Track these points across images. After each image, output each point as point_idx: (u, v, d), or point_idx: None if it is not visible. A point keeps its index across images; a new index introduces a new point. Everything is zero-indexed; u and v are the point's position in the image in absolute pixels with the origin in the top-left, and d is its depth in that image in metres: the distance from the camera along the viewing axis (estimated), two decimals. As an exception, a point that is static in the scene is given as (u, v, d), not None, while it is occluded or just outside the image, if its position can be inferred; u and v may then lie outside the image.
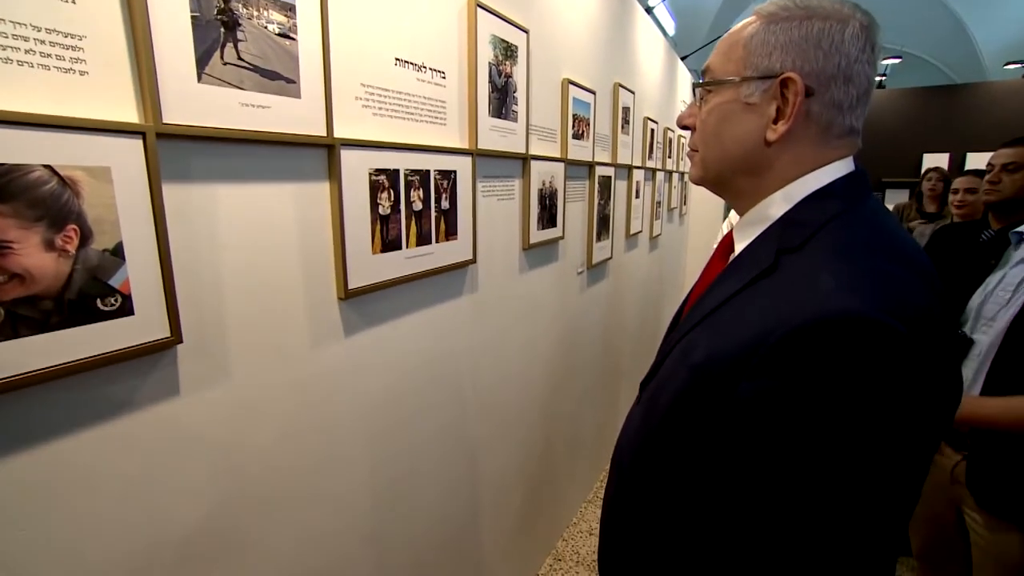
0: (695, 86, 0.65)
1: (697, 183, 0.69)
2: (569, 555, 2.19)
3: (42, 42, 0.54)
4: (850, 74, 0.54)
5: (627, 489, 0.66)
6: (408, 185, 1.05)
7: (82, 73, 0.57)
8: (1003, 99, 4.33)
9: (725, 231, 2.75)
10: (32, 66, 0.53)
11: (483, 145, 1.28)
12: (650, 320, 3.46)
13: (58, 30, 0.55)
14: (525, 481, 1.83)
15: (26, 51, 0.53)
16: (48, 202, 0.54)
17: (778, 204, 0.59)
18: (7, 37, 0.51)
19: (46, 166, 0.54)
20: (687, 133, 3.52)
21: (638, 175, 2.69)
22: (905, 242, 0.55)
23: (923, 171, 3.40)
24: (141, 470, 0.68)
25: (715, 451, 0.52)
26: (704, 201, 4.85)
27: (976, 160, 4.70)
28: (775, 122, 0.57)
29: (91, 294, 0.59)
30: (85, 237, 0.58)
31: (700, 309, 0.60)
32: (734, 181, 0.63)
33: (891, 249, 0.52)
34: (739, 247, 0.63)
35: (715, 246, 2.46)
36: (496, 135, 1.34)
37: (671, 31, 5.96)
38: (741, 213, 0.65)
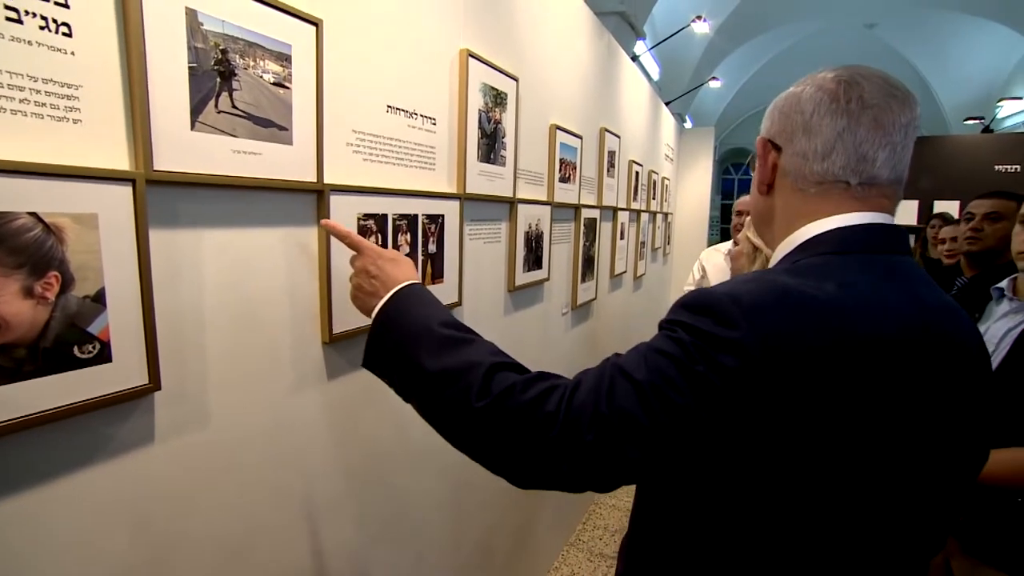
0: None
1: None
2: (551, 604, 2.12)
3: (37, 92, 0.54)
4: (809, 126, 0.61)
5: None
6: (396, 229, 1.06)
7: (75, 121, 0.58)
8: (965, 151, 4.57)
9: (697, 275, 2.82)
10: (26, 115, 0.54)
11: (471, 189, 1.30)
12: (634, 358, 3.46)
13: (54, 80, 0.55)
14: (507, 526, 1.79)
15: (20, 100, 0.53)
16: (30, 249, 0.54)
17: (782, 249, 0.66)
18: (2, 87, 0.52)
19: (31, 213, 0.54)
20: (669, 173, 3.62)
21: (623, 216, 2.74)
22: (863, 286, 0.55)
23: (929, 218, 3.55)
24: (106, 524, 0.65)
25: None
26: (687, 242, 4.95)
27: (941, 207, 4.91)
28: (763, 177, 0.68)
29: (68, 341, 0.58)
30: (66, 284, 0.57)
31: None
32: (762, 232, 0.73)
33: (818, 277, 0.55)
34: None
35: (686, 289, 2.49)
36: (484, 179, 1.37)
37: (656, 76, 6.22)
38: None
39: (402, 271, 0.75)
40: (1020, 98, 7.22)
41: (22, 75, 0.53)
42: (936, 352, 0.53)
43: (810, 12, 7.34)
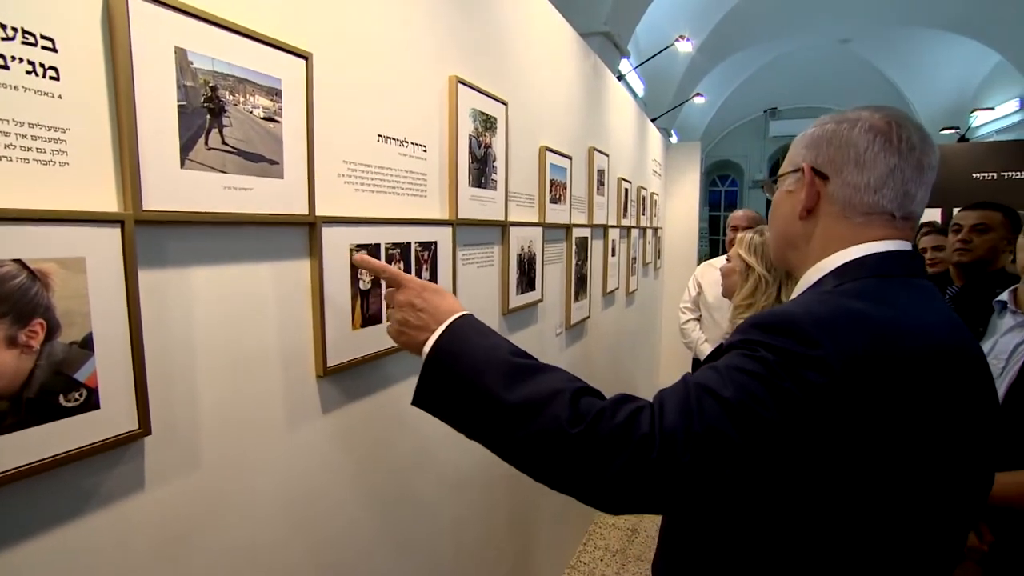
0: (773, 182, 0.80)
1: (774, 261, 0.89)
2: (553, 631, 2.07)
3: (23, 136, 0.53)
4: (862, 161, 0.65)
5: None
6: (389, 258, 1.05)
7: (62, 164, 0.57)
8: (944, 161, 4.67)
9: (694, 291, 2.82)
10: (11, 160, 0.52)
11: (463, 215, 1.30)
12: (628, 375, 3.46)
13: (41, 124, 0.54)
14: (507, 550, 1.75)
15: (5, 146, 0.52)
16: (14, 297, 0.52)
17: (814, 272, 0.69)
18: (-14, 134, 0.51)
19: (16, 260, 0.52)
20: (657, 188, 3.66)
21: (614, 233, 2.76)
22: (914, 309, 0.60)
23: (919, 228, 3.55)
24: (97, 575, 0.62)
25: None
26: (678, 255, 4.99)
27: (924, 216, 5.00)
28: (804, 202, 0.70)
29: (53, 390, 0.56)
30: (52, 331, 0.55)
31: None
32: (786, 255, 0.76)
33: (876, 299, 0.59)
34: None
35: (683, 307, 2.45)
36: (476, 204, 1.37)
37: (641, 93, 6.32)
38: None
39: (448, 302, 0.73)
40: (992, 108, 7.43)
41: (7, 120, 0.52)
42: (965, 366, 0.59)
43: (786, 30, 7.53)
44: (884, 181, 0.64)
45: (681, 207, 5.02)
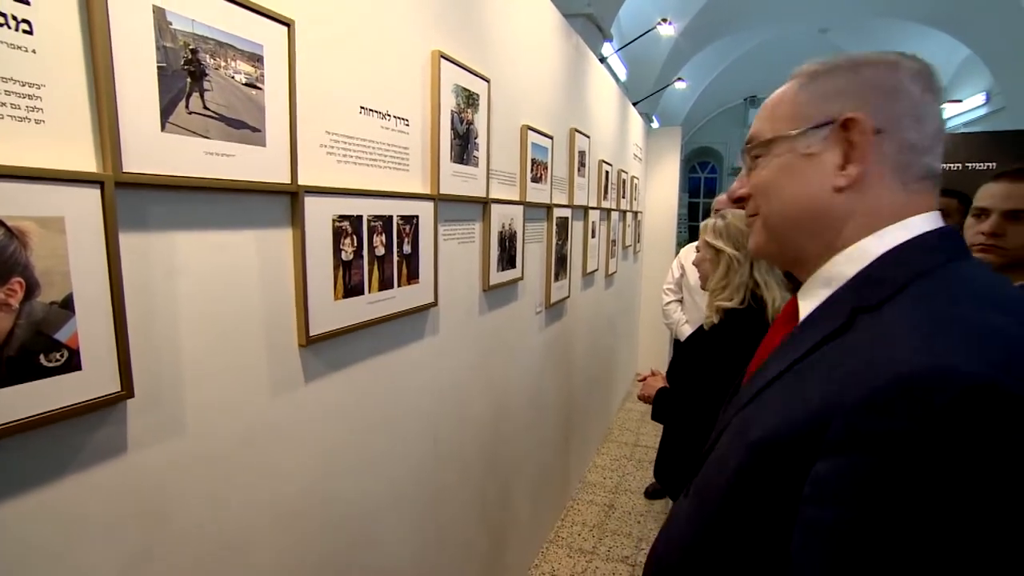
0: (745, 151, 0.62)
1: (757, 251, 0.63)
2: (530, 600, 2.14)
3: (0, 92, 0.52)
4: (919, 114, 0.52)
5: None
6: (371, 231, 1.05)
7: (38, 122, 0.56)
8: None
9: (676, 273, 2.88)
10: (-16, 115, 0.52)
11: (445, 190, 1.30)
12: (606, 356, 3.52)
13: (14, 78, 0.54)
14: (487, 524, 1.80)
15: (-22, 100, 0.51)
16: (-7, 254, 0.52)
17: (852, 261, 0.53)
18: (-40, 87, 0.50)
19: (-6, 217, 0.52)
20: (638, 172, 3.58)
21: (594, 215, 2.78)
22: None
23: None
24: (79, 537, 0.63)
25: (787, 542, 0.44)
26: (657, 239, 5.05)
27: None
28: (843, 168, 0.53)
29: (34, 350, 0.56)
30: (31, 290, 0.55)
31: (757, 381, 0.55)
32: (798, 242, 0.57)
33: (1003, 303, 0.44)
34: (804, 312, 0.57)
35: (666, 287, 2.47)
36: (458, 180, 1.37)
37: (623, 77, 6.32)
38: (802, 281, 0.60)
39: None
40: (959, 101, 7.64)
41: (-19, 73, 0.51)
42: None
43: (767, 17, 7.58)
44: (936, 138, 0.52)
45: (661, 192, 5.07)
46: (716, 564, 0.53)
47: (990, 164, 4.64)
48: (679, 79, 5.80)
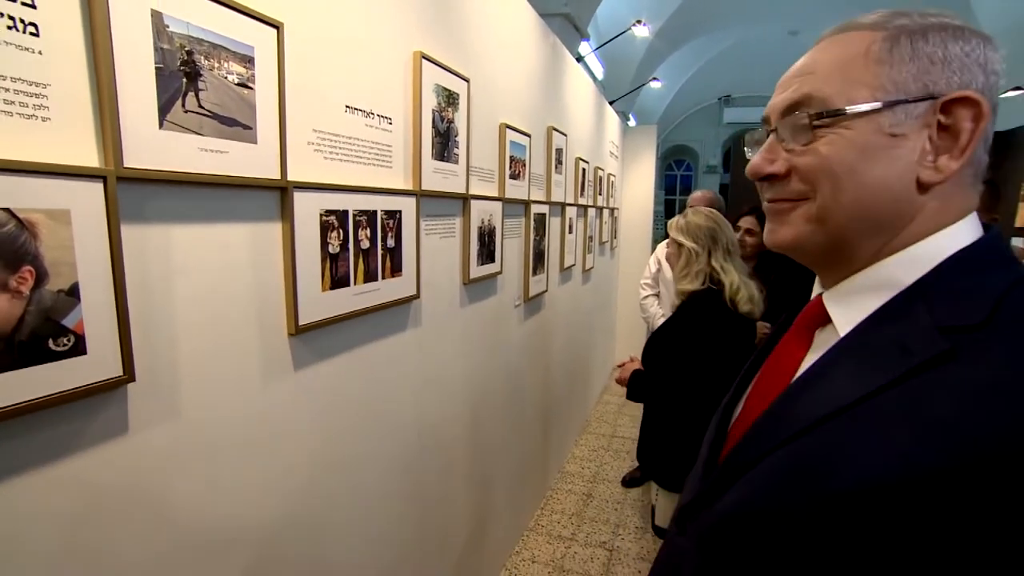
0: (788, 117, 0.48)
1: (793, 245, 0.51)
2: (511, 585, 2.20)
3: (6, 89, 0.55)
4: (996, 106, 0.45)
5: None
6: (356, 225, 1.09)
7: (44, 119, 0.59)
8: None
9: (654, 268, 2.97)
10: (-4, 114, 0.55)
11: (427, 186, 1.35)
12: (583, 349, 3.60)
13: (23, 78, 0.57)
14: (469, 512, 1.85)
15: (-10, 99, 0.54)
16: (4, 244, 0.55)
17: (908, 267, 0.45)
18: (-26, 87, 0.53)
19: (4, 209, 0.55)
20: (614, 169, 3.62)
21: (571, 212, 2.85)
22: None
23: None
24: (84, 514, 0.66)
25: None
26: (634, 236, 5.16)
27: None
28: (933, 158, 0.44)
29: (43, 335, 0.59)
30: (40, 278, 0.59)
31: (805, 408, 0.45)
32: (856, 242, 0.48)
33: None
34: (845, 322, 0.48)
35: (643, 283, 2.57)
36: (439, 177, 1.42)
37: (600, 75, 6.41)
38: (833, 283, 0.51)
39: None
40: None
41: (-7, 74, 0.54)
42: None
43: (740, 19, 7.77)
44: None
45: (638, 189, 5.18)
46: None
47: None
48: (654, 79, 5.91)
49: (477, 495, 1.92)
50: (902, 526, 0.37)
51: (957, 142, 0.43)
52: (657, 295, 2.97)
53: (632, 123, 7.93)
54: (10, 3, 0.55)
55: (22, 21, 0.57)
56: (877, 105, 0.44)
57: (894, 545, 0.38)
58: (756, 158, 0.51)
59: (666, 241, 3.02)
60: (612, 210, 4.34)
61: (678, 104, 11.24)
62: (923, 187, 0.44)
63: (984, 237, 0.46)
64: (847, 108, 0.45)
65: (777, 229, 0.52)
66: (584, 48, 4.43)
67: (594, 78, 5.54)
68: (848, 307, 0.49)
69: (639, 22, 3.98)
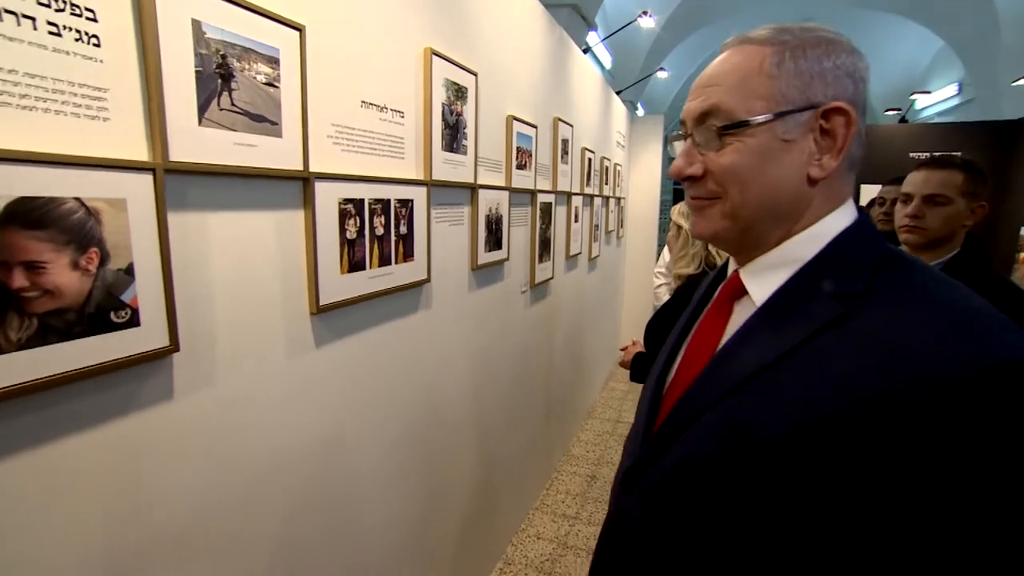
0: (700, 125, 0.56)
1: (713, 237, 0.59)
2: (518, 559, 2.31)
3: (75, 95, 0.64)
4: (865, 105, 0.54)
5: None
6: (372, 212, 1.18)
7: (104, 119, 0.68)
8: (885, 141, 5.02)
9: (667, 256, 3.02)
10: (66, 115, 0.63)
11: (437, 176, 1.43)
12: (588, 336, 3.68)
13: (88, 84, 0.65)
14: (476, 491, 1.95)
15: (62, 102, 0.63)
16: (76, 229, 0.64)
17: (807, 245, 0.54)
18: (48, 92, 0.61)
19: (76, 198, 0.64)
20: (621, 159, 3.65)
21: (576, 201, 2.92)
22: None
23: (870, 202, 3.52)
24: (134, 469, 0.76)
25: (814, 543, 0.46)
26: (641, 225, 5.20)
27: (868, 191, 5.38)
28: (818, 157, 0.53)
29: (106, 308, 0.68)
30: (104, 258, 0.67)
31: (731, 371, 0.53)
32: (764, 231, 0.56)
33: (963, 287, 0.49)
34: (759, 293, 0.56)
35: (657, 271, 2.66)
36: (448, 167, 1.49)
37: (608, 65, 6.41)
38: (747, 261, 0.59)
39: None
40: (928, 92, 7.87)
41: (64, 81, 0.62)
42: None
43: (750, 4, 7.70)
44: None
45: (644, 179, 5.21)
46: (704, 571, 0.52)
47: (956, 153, 4.86)
48: (661, 69, 5.90)
49: (483, 473, 2.01)
50: (822, 463, 0.44)
51: (835, 144, 0.52)
52: (670, 283, 3.03)
53: (640, 113, 7.93)
54: (76, 18, 0.63)
55: (87, 34, 0.65)
56: (771, 117, 0.52)
57: (815, 482, 0.45)
58: (678, 160, 0.59)
59: None
60: (619, 199, 4.39)
61: (686, 93, 11.16)
62: (812, 182, 0.53)
63: (858, 219, 0.55)
64: (749, 120, 0.53)
65: (698, 223, 0.60)
66: (592, 38, 4.45)
67: (602, 67, 5.55)
68: (762, 281, 0.57)
69: (645, 13, 4.00)
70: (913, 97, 7.80)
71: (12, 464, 0.62)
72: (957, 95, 7.69)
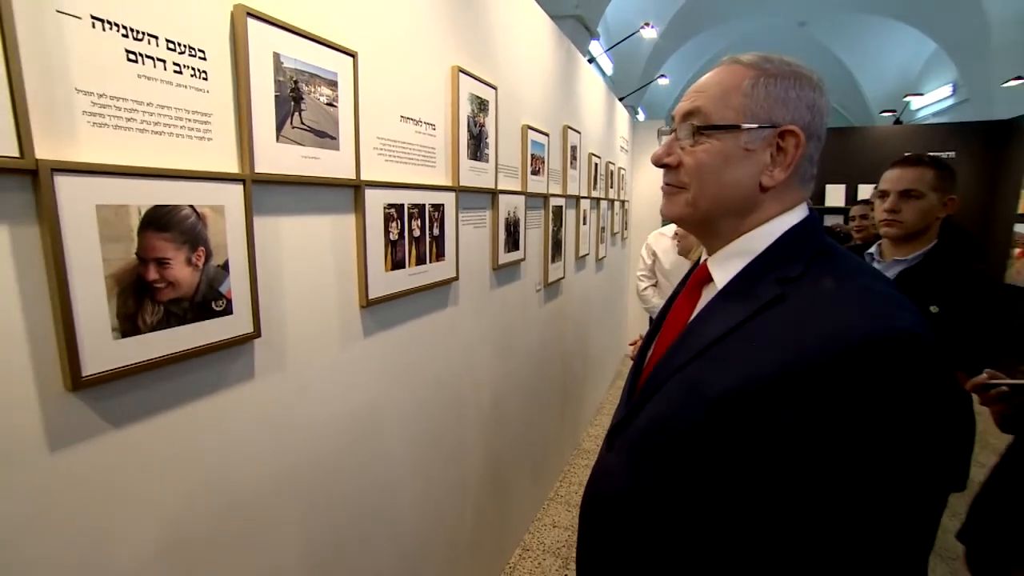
0: (682, 122, 0.66)
1: (677, 220, 0.70)
2: (536, 546, 2.42)
3: (191, 121, 0.77)
4: (821, 134, 0.64)
5: (624, 545, 0.67)
6: (410, 216, 1.30)
7: (209, 140, 0.80)
8: (881, 141, 5.15)
9: (648, 260, 3.14)
10: (184, 137, 0.76)
11: (463, 183, 1.55)
12: (596, 334, 3.80)
13: (198, 111, 0.78)
14: (497, 480, 2.06)
15: (180, 127, 0.76)
16: (190, 231, 0.77)
17: (760, 239, 0.64)
18: (172, 119, 0.74)
19: (190, 206, 0.76)
20: (624, 163, 3.78)
21: (585, 204, 3.05)
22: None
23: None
24: (222, 440, 0.88)
25: (751, 484, 0.54)
26: (643, 226, 5.33)
27: (865, 191, 5.50)
28: (771, 169, 0.62)
29: (209, 298, 0.81)
30: (208, 256, 0.80)
31: (693, 342, 0.63)
32: (718, 221, 0.67)
33: (875, 274, 0.60)
34: (721, 278, 0.67)
35: (639, 275, 2.84)
36: (473, 174, 1.62)
37: (610, 72, 6.56)
38: (713, 250, 0.70)
39: None
40: (921, 94, 8.01)
41: (183, 109, 0.75)
42: None
43: (747, 10, 7.85)
44: (823, 145, 0.65)
45: (646, 181, 5.34)
46: (668, 511, 0.61)
47: (950, 152, 4.99)
48: (661, 76, 6.05)
49: (504, 465, 2.13)
50: (756, 418, 0.53)
51: (786, 159, 0.62)
52: (655, 285, 3.14)
53: (641, 117, 8.07)
54: (192, 57, 0.76)
55: (199, 70, 0.78)
56: (741, 127, 0.62)
57: (751, 434, 0.54)
58: (659, 150, 0.70)
59: (658, 232, 3.20)
60: (623, 202, 4.52)
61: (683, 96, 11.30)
62: (763, 189, 0.63)
63: (807, 218, 0.65)
64: (720, 124, 0.63)
65: (667, 205, 0.71)
66: (595, 48, 4.59)
67: (604, 75, 5.69)
68: (723, 268, 0.67)
69: (646, 24, 4.14)
70: (908, 99, 7.94)
71: (143, 427, 0.75)
72: (952, 96, 7.83)
